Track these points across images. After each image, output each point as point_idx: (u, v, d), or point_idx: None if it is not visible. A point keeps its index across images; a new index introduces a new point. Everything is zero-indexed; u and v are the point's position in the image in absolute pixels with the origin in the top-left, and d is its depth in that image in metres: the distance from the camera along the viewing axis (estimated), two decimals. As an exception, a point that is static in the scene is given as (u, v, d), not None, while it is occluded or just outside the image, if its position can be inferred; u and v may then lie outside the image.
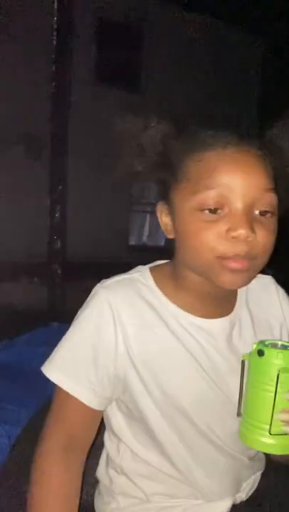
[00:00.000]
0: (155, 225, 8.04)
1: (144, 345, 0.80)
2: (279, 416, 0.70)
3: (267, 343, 0.74)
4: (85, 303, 0.84)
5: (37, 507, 0.80)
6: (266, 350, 0.71)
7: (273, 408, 0.70)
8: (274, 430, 0.70)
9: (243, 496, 0.92)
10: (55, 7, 4.25)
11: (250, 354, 0.74)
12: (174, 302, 0.83)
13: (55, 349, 0.84)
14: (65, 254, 4.48)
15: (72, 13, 4.45)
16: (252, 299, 0.93)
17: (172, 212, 0.80)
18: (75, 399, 0.80)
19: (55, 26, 4.24)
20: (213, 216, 0.74)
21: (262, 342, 0.74)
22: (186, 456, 0.85)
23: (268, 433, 0.70)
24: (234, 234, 0.73)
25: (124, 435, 0.88)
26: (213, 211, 0.74)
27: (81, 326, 0.82)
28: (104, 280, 0.86)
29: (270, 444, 0.71)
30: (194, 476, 0.86)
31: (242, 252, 0.74)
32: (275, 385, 0.69)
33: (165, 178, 0.80)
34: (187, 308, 0.83)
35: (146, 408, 0.82)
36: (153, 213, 7.44)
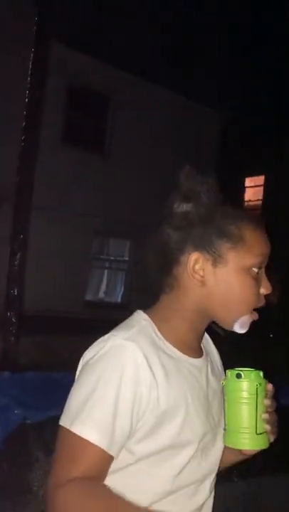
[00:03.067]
0: (113, 281, 8.12)
1: (170, 388, 0.88)
2: (263, 416, 0.91)
3: (235, 369, 0.95)
4: (105, 358, 0.86)
5: None
6: (243, 373, 0.93)
7: (256, 414, 0.91)
8: (259, 430, 0.91)
9: None
10: (30, 68, 4.47)
11: (228, 379, 0.94)
12: (175, 346, 0.94)
13: (85, 406, 0.83)
14: (21, 305, 4.46)
15: (45, 76, 4.69)
16: (206, 343, 1.08)
17: (217, 265, 0.93)
18: (100, 451, 0.82)
19: (27, 87, 4.44)
20: (256, 276, 0.94)
21: (230, 370, 0.95)
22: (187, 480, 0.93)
23: (254, 434, 0.91)
24: (266, 292, 0.96)
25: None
26: (256, 273, 0.94)
27: (117, 381, 0.84)
28: (117, 333, 0.90)
29: (257, 442, 0.92)
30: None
31: (263, 304, 0.97)
32: (255, 397, 0.91)
33: (215, 233, 0.94)
34: (183, 349, 0.95)
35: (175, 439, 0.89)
36: (112, 269, 7.51)
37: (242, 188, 8.57)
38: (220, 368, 1.09)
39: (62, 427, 0.83)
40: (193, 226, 0.95)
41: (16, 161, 4.49)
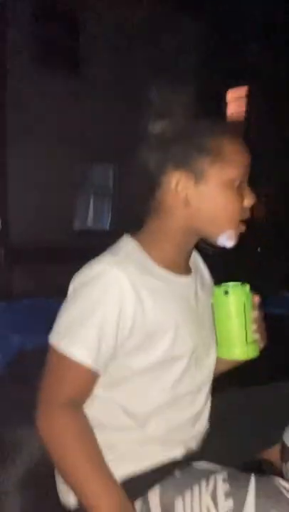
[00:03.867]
0: (100, 209, 8.05)
1: (158, 309, 0.91)
2: (250, 326, 0.96)
3: (222, 285, 0.99)
4: (91, 282, 0.88)
5: (70, 464, 0.87)
6: (230, 289, 0.96)
7: (245, 326, 0.96)
8: (249, 340, 0.97)
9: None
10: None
11: (216, 296, 0.98)
12: (164, 267, 0.96)
13: (72, 326, 0.87)
14: (7, 237, 4.44)
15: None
16: (195, 260, 1.10)
17: (199, 182, 0.92)
18: (86, 369, 0.86)
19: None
20: (237, 190, 0.93)
21: (217, 287, 0.99)
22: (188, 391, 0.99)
23: (245, 344, 0.97)
24: (250, 203, 0.95)
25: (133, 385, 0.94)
26: (238, 185, 0.93)
27: (102, 304, 0.87)
28: (103, 258, 0.92)
29: (248, 351, 0.98)
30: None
31: (248, 216, 0.97)
32: (243, 311, 0.96)
33: (194, 149, 0.91)
34: (171, 269, 0.97)
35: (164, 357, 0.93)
36: (96, 196, 7.43)
37: (224, 101, 8.28)
38: (210, 282, 1.11)
39: (51, 344, 0.88)
40: (171, 145, 0.92)
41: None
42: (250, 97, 8.41)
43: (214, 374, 1.10)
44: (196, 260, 1.12)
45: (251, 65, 7.24)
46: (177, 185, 0.92)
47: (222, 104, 7.94)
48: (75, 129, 6.20)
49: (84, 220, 7.50)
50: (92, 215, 7.57)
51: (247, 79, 7.91)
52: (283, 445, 1.10)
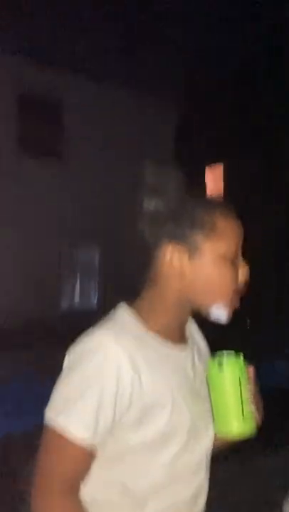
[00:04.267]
0: (86, 288, 8.03)
1: (156, 382, 0.89)
2: (246, 401, 0.93)
3: (216, 357, 0.96)
4: (88, 356, 0.87)
5: None
6: (224, 361, 0.94)
7: (241, 400, 0.93)
8: (245, 415, 0.93)
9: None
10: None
11: (210, 369, 0.96)
12: (161, 337, 0.94)
13: (69, 401, 0.85)
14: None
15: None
16: (190, 327, 1.09)
17: (193, 256, 0.94)
18: (84, 445, 0.84)
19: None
20: (232, 263, 0.95)
21: (211, 359, 0.96)
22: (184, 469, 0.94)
23: (241, 420, 0.93)
24: (244, 278, 0.97)
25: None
26: (233, 258, 0.95)
27: (99, 378, 0.85)
28: (99, 330, 0.91)
29: (245, 427, 0.94)
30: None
31: (244, 290, 0.97)
32: (239, 385, 0.93)
33: (188, 225, 0.94)
34: (167, 338, 0.95)
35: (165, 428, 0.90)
36: (83, 274, 7.46)
37: (203, 180, 8.61)
38: (206, 352, 1.10)
39: (47, 420, 0.85)
40: (165, 221, 0.97)
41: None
42: (226, 175, 8.78)
43: (216, 451, 1.06)
44: (192, 329, 1.12)
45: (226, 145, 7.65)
46: (172, 258, 0.95)
47: (202, 182, 8.28)
48: (61, 210, 6.36)
49: (70, 299, 7.46)
50: (79, 295, 7.53)
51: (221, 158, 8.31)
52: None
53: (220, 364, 0.94)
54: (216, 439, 1.02)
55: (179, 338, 1.00)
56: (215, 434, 1.01)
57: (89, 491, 0.89)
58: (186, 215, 0.96)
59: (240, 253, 0.98)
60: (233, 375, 0.93)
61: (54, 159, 6.72)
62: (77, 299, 7.58)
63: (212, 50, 5.95)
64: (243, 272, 0.97)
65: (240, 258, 0.98)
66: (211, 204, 0.99)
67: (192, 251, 0.95)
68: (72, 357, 0.90)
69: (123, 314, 0.96)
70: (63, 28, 5.79)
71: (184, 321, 1.02)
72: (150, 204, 0.97)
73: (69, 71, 6.58)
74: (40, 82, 6.47)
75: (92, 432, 0.83)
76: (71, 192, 6.60)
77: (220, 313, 0.97)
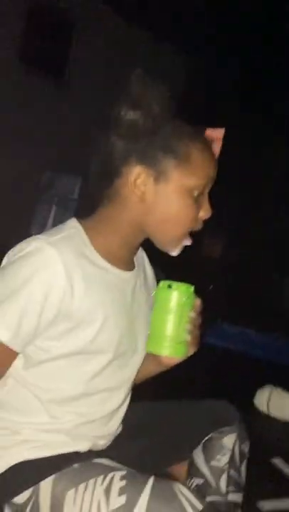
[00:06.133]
0: (60, 220, 7.90)
1: (88, 297, 0.88)
2: (185, 326, 0.94)
3: (167, 281, 0.98)
4: (24, 258, 0.85)
5: None
6: (174, 284, 0.95)
7: (180, 323, 0.95)
8: (180, 339, 0.95)
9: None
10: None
11: (159, 289, 0.98)
12: (104, 257, 0.93)
13: None
14: None
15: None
16: (140, 259, 1.08)
17: (159, 182, 0.90)
18: (3, 345, 0.83)
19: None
20: (197, 199, 0.92)
21: (163, 281, 0.98)
22: (107, 383, 0.96)
23: (175, 342, 0.95)
24: (205, 216, 0.94)
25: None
26: (198, 195, 0.92)
27: (30, 282, 0.83)
28: (42, 236, 0.89)
29: (176, 350, 0.96)
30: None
31: (200, 228, 0.95)
32: (181, 308, 0.95)
33: (162, 148, 0.90)
34: (112, 261, 0.94)
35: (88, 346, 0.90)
36: (59, 206, 7.38)
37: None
38: (152, 284, 1.10)
39: None
40: (139, 137, 0.92)
41: None
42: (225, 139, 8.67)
43: (141, 376, 1.08)
44: (143, 260, 1.11)
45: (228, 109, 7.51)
46: (137, 179, 0.91)
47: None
48: (50, 134, 6.18)
49: (42, 229, 7.38)
50: (51, 226, 7.45)
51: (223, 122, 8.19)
52: (191, 461, 1.08)
53: (170, 286, 0.95)
54: (146, 362, 1.03)
55: (125, 264, 0.99)
56: (145, 359, 1.02)
57: (2, 393, 0.89)
58: (163, 137, 0.91)
59: (206, 194, 0.94)
60: (179, 297, 0.95)
61: (56, 82, 6.46)
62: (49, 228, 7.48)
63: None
64: (205, 211, 0.94)
65: (206, 199, 0.94)
66: (192, 132, 0.94)
67: (159, 176, 0.91)
68: (8, 259, 0.88)
69: (70, 227, 0.93)
70: None
71: (133, 248, 1.00)
72: (128, 115, 0.91)
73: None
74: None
75: (13, 333, 0.82)
76: (70, 120, 6.39)
77: (171, 246, 0.95)
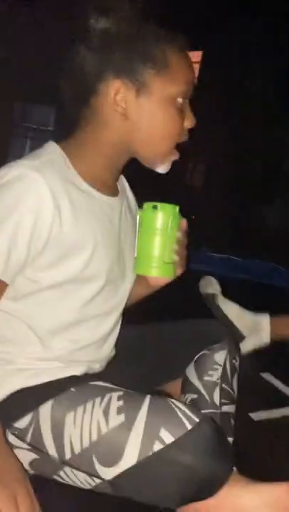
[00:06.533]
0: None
1: (77, 224, 0.85)
2: (172, 246, 0.94)
3: (151, 202, 0.96)
4: (7, 186, 0.79)
5: None
6: (159, 205, 0.94)
7: (167, 244, 0.94)
8: (167, 259, 0.95)
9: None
10: None
11: (144, 210, 0.95)
12: (88, 182, 0.89)
13: None
14: None
15: None
16: (123, 185, 1.05)
17: (140, 95, 0.84)
18: None
19: None
20: (181, 107, 0.87)
21: (147, 202, 0.97)
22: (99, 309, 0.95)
23: (163, 262, 0.95)
24: (189, 125, 0.89)
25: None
26: (181, 104, 0.86)
27: (16, 210, 0.78)
28: (22, 161, 0.83)
29: (164, 270, 0.96)
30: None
31: (186, 139, 0.91)
32: (167, 228, 0.93)
33: (139, 57, 0.83)
34: (97, 186, 0.90)
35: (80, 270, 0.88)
36: (34, 139, 7.14)
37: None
38: (135, 210, 1.08)
39: None
40: (114, 47, 0.83)
41: None
42: (203, 63, 8.35)
43: (131, 299, 1.08)
44: (125, 186, 1.08)
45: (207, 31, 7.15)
46: (116, 94, 0.84)
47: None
48: (19, 61, 5.82)
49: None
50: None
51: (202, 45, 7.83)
52: (185, 378, 1.11)
53: (155, 207, 0.94)
54: (136, 285, 1.03)
55: (110, 189, 0.95)
56: (135, 282, 1.02)
57: None
58: (139, 45, 0.84)
59: (188, 102, 0.90)
60: (165, 216, 0.94)
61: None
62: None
63: None
64: (189, 120, 0.90)
65: (188, 108, 0.90)
66: (167, 36, 0.86)
67: (140, 88, 0.85)
68: None
69: (51, 151, 0.88)
70: None
71: (117, 171, 0.96)
72: (99, 23, 0.83)
73: None
74: None
75: (2, 265, 0.79)
76: (38, 45, 6.00)
77: (159, 162, 0.92)
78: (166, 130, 0.87)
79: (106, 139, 0.88)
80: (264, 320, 1.83)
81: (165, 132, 0.88)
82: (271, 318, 1.84)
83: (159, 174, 0.95)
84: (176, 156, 0.93)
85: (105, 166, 0.92)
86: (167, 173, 0.96)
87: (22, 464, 0.82)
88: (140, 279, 1.02)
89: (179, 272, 1.00)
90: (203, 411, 1.01)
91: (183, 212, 0.99)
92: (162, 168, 0.93)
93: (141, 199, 1.11)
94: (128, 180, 1.09)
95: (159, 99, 0.85)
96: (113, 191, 0.96)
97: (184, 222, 0.97)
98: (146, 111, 0.86)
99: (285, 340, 1.84)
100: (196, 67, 9.01)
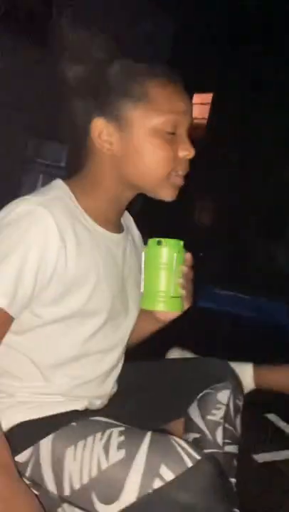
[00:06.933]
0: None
1: (81, 259, 0.86)
2: (178, 281, 0.94)
3: (155, 238, 0.98)
4: (15, 221, 0.81)
5: None
6: (164, 240, 0.96)
7: (173, 278, 0.95)
8: (174, 294, 0.96)
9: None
10: None
11: (149, 246, 0.97)
12: (94, 219, 0.91)
13: None
14: None
15: None
16: (128, 222, 1.07)
17: (123, 130, 0.86)
18: (1, 310, 0.80)
19: None
20: (169, 137, 0.87)
21: (152, 238, 0.98)
22: (100, 348, 0.95)
23: (169, 297, 0.96)
24: (185, 154, 0.89)
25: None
26: (170, 133, 0.86)
27: (24, 245, 0.80)
28: (30, 197, 0.85)
29: (171, 305, 0.97)
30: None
31: (187, 169, 0.90)
32: (173, 263, 0.95)
33: (114, 93, 0.85)
34: (101, 223, 0.92)
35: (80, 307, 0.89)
36: (46, 174, 7.28)
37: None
38: (140, 247, 1.09)
39: None
40: (92, 89, 0.87)
41: None
42: (213, 104, 8.54)
43: (138, 336, 1.08)
44: (130, 222, 1.09)
45: (218, 73, 7.36)
46: (100, 132, 0.87)
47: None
48: (33, 99, 6.02)
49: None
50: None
51: (212, 87, 8.03)
52: (187, 417, 1.10)
53: (159, 242, 0.95)
54: (143, 320, 1.03)
55: (114, 225, 0.97)
56: (142, 317, 1.02)
57: None
58: (112, 82, 0.86)
59: (183, 129, 0.89)
60: (169, 251, 0.95)
61: (37, 43, 6.24)
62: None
63: None
64: (184, 149, 0.89)
65: (184, 137, 0.89)
66: (144, 69, 0.87)
67: (121, 122, 0.86)
68: None
69: (58, 189, 0.90)
70: None
71: (121, 208, 0.97)
72: (71, 71, 0.87)
73: None
74: None
75: (10, 298, 0.80)
76: (53, 85, 6.21)
77: (159, 190, 0.91)
78: (155, 160, 0.87)
79: (104, 176, 0.91)
80: (246, 370, 1.66)
81: (153, 163, 0.87)
82: (256, 367, 1.68)
83: (169, 212, 0.97)
84: (179, 182, 0.92)
85: (109, 202, 0.94)
86: (176, 211, 0.97)
87: (42, 505, 0.81)
88: (148, 314, 1.02)
89: (186, 305, 1.00)
90: (205, 450, 0.99)
91: (190, 250, 1.00)
92: (166, 196, 0.92)
93: (148, 237, 1.13)
94: (135, 218, 1.11)
95: (143, 131, 0.86)
96: (117, 227, 0.98)
97: (188, 256, 0.99)
98: (131, 144, 0.87)
99: (276, 390, 1.69)
100: (206, 108, 9.22)
